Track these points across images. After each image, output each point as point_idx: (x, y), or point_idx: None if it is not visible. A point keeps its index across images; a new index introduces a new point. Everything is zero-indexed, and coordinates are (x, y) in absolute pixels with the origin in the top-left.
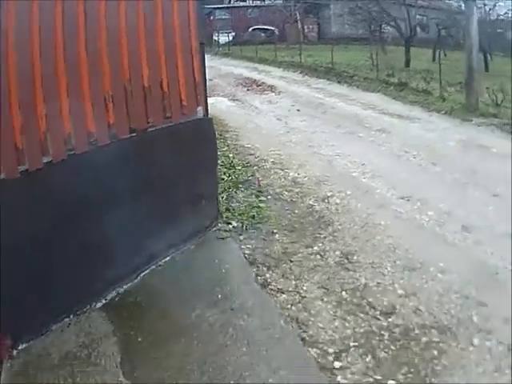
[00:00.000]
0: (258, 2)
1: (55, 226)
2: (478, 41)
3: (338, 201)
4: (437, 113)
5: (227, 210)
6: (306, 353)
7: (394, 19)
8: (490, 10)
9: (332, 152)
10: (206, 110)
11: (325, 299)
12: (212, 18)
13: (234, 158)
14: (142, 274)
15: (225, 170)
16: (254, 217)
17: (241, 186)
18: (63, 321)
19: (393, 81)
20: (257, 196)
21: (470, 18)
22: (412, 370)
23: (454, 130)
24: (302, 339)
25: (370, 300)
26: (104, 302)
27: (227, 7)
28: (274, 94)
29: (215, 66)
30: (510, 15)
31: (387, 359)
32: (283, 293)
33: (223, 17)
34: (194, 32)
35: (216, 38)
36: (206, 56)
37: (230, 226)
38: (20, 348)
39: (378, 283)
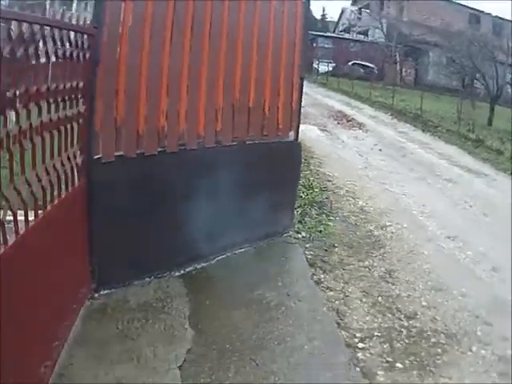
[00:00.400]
0: (362, 36)
1: (156, 203)
2: None
3: (393, 230)
4: (503, 172)
5: (299, 222)
6: (338, 333)
7: (482, 76)
8: None
9: (400, 191)
10: (297, 134)
11: (363, 300)
12: (315, 45)
13: (313, 181)
14: (219, 258)
15: (304, 189)
16: (321, 231)
17: (315, 205)
18: (145, 279)
19: (471, 136)
20: (327, 215)
21: None
22: (418, 359)
23: None
24: (338, 324)
25: (399, 306)
26: (183, 272)
27: (331, 37)
28: (361, 131)
29: (311, 94)
30: None
31: (400, 349)
32: (331, 290)
33: (325, 45)
34: (297, 67)
35: (316, 66)
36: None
37: (300, 235)
38: (102, 293)
39: (409, 295)
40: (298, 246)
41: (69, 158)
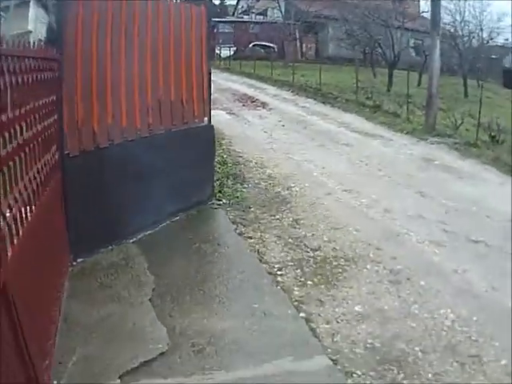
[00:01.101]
0: (261, 17)
1: (110, 184)
2: (468, 66)
3: (297, 189)
4: (400, 133)
5: (219, 192)
6: (260, 266)
7: (379, 44)
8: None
9: (302, 158)
10: (210, 119)
11: (277, 242)
12: (215, 30)
13: (226, 157)
14: (161, 225)
15: (219, 165)
16: (237, 197)
17: (230, 177)
18: (108, 247)
19: (369, 103)
20: (241, 184)
21: (433, 49)
22: (324, 277)
23: (408, 147)
24: (259, 260)
25: (306, 243)
26: (135, 239)
27: (231, 21)
28: (265, 110)
29: (215, 80)
30: (510, 41)
31: (309, 272)
32: (252, 238)
33: (226, 30)
34: (206, 57)
35: (218, 52)
36: None
37: (221, 202)
38: (78, 261)
39: (313, 234)
40: (221, 210)
41: (52, 155)
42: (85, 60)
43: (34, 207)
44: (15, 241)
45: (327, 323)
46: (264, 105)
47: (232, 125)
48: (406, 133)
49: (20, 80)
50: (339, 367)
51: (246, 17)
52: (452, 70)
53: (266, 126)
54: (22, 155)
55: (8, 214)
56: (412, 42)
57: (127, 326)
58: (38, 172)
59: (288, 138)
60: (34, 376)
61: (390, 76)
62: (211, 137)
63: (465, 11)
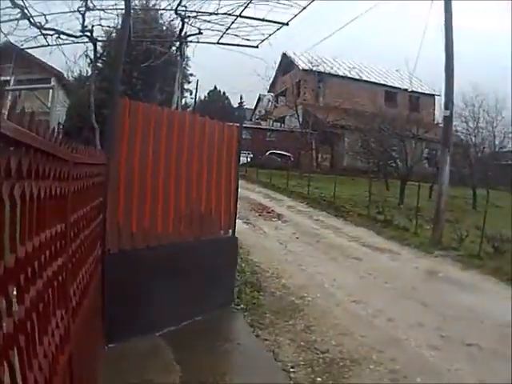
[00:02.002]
0: (278, 124)
1: (143, 282)
2: (479, 176)
3: (310, 299)
4: (407, 247)
5: (238, 297)
6: (275, 364)
7: (392, 158)
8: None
9: (315, 270)
10: (234, 231)
11: (290, 344)
12: None
13: (245, 266)
14: (185, 323)
15: (238, 273)
16: (254, 303)
17: (248, 284)
18: (136, 337)
19: (380, 218)
20: (258, 292)
21: (443, 167)
22: (331, 375)
23: (414, 261)
24: (275, 359)
25: (316, 346)
26: (161, 333)
27: (248, 127)
28: (280, 221)
29: None
30: None
31: (319, 370)
32: (267, 340)
33: (244, 136)
34: (235, 173)
35: None
36: None
37: (239, 307)
38: (110, 346)
39: (322, 339)
40: (240, 314)
41: (97, 250)
42: (128, 166)
43: (87, 294)
44: (76, 320)
45: None
46: (279, 216)
47: (249, 234)
48: (414, 247)
49: (89, 183)
50: None
51: (263, 122)
52: (463, 181)
53: (281, 238)
54: (82, 249)
55: (73, 298)
56: (426, 152)
57: None
58: (90, 265)
59: (302, 251)
60: None
61: (402, 190)
62: (235, 247)
63: (479, 117)
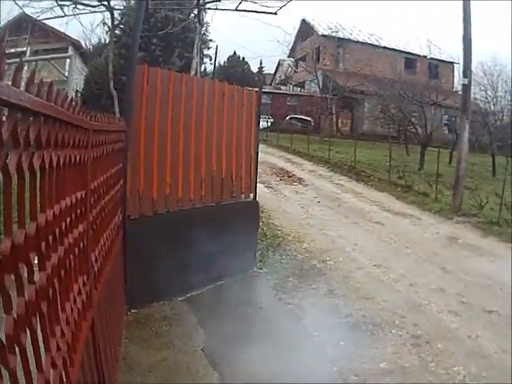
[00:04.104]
0: (298, 89)
1: (164, 247)
2: (498, 144)
3: (332, 263)
4: (428, 212)
5: (260, 261)
6: (298, 328)
7: (412, 124)
8: None
9: (336, 234)
10: (255, 195)
11: (313, 309)
12: None
13: (266, 230)
14: (209, 287)
15: (260, 237)
16: (277, 267)
17: (270, 248)
18: (159, 302)
19: (401, 183)
20: (280, 255)
21: (462, 133)
22: (354, 340)
23: (435, 226)
24: (298, 323)
25: (338, 310)
26: (184, 297)
27: (269, 92)
28: (301, 185)
29: None
30: None
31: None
32: (290, 304)
33: (264, 101)
34: (255, 138)
35: None
36: None
37: (262, 271)
38: (132, 311)
39: (345, 303)
40: (262, 277)
41: (118, 216)
42: (148, 133)
43: (108, 261)
44: (98, 286)
45: (356, 376)
46: (300, 180)
47: (270, 199)
48: (434, 212)
49: (108, 150)
50: None
51: (283, 87)
52: (483, 148)
53: (303, 202)
54: (103, 215)
55: (95, 264)
56: (445, 118)
57: (182, 369)
58: (111, 231)
59: (323, 215)
60: None
61: (422, 155)
62: (256, 211)
63: (498, 87)
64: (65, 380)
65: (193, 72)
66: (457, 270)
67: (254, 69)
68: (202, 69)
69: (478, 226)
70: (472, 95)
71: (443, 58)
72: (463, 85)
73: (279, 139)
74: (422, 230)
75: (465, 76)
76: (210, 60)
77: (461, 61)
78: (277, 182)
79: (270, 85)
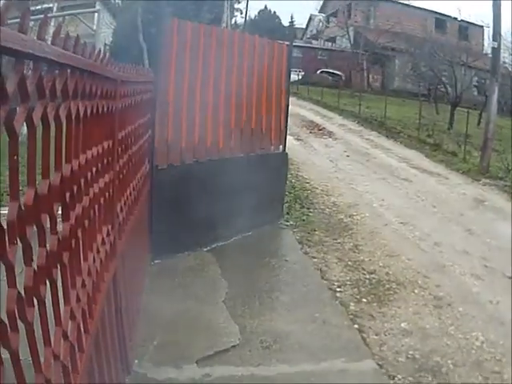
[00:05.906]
0: (329, 44)
1: (192, 196)
2: None
3: (358, 218)
4: (456, 172)
5: (287, 213)
6: (322, 282)
7: (442, 83)
8: None
9: (364, 189)
10: (284, 147)
11: (338, 263)
12: None
13: (294, 183)
14: (234, 238)
15: (288, 189)
16: (303, 220)
17: (298, 201)
18: (184, 253)
19: (430, 141)
20: (307, 208)
21: (491, 95)
22: (377, 297)
23: (462, 187)
24: (322, 277)
25: (363, 266)
26: (209, 248)
27: (300, 46)
28: (331, 139)
29: None
30: None
31: (365, 291)
32: (315, 258)
33: (294, 54)
34: (285, 91)
35: None
36: None
37: (288, 223)
38: (156, 261)
39: (370, 259)
40: (289, 230)
41: (145, 166)
42: (177, 83)
43: (134, 210)
44: (122, 236)
45: (376, 335)
46: (330, 134)
47: (299, 151)
48: (462, 172)
49: (136, 100)
50: (383, 371)
51: (314, 42)
52: (511, 112)
53: (332, 156)
54: (130, 165)
55: (120, 214)
56: (475, 80)
57: (203, 320)
58: (138, 181)
59: (352, 169)
60: (124, 349)
61: (452, 115)
62: (285, 163)
63: None
64: (83, 332)
65: (223, 25)
66: (482, 232)
67: (285, 23)
68: (233, 22)
69: (504, 189)
70: (502, 59)
71: (473, 21)
72: (493, 48)
73: (310, 92)
74: (449, 190)
75: (494, 40)
76: (241, 14)
77: (491, 25)
78: (306, 134)
79: (301, 39)
